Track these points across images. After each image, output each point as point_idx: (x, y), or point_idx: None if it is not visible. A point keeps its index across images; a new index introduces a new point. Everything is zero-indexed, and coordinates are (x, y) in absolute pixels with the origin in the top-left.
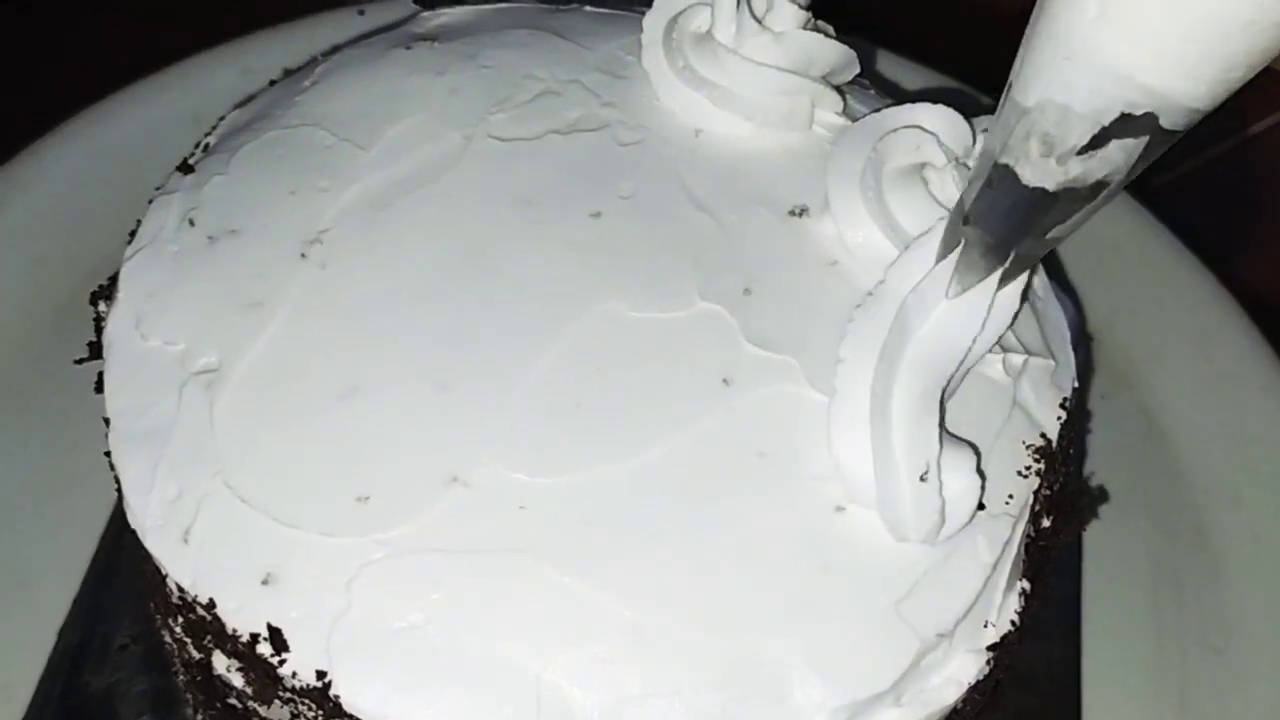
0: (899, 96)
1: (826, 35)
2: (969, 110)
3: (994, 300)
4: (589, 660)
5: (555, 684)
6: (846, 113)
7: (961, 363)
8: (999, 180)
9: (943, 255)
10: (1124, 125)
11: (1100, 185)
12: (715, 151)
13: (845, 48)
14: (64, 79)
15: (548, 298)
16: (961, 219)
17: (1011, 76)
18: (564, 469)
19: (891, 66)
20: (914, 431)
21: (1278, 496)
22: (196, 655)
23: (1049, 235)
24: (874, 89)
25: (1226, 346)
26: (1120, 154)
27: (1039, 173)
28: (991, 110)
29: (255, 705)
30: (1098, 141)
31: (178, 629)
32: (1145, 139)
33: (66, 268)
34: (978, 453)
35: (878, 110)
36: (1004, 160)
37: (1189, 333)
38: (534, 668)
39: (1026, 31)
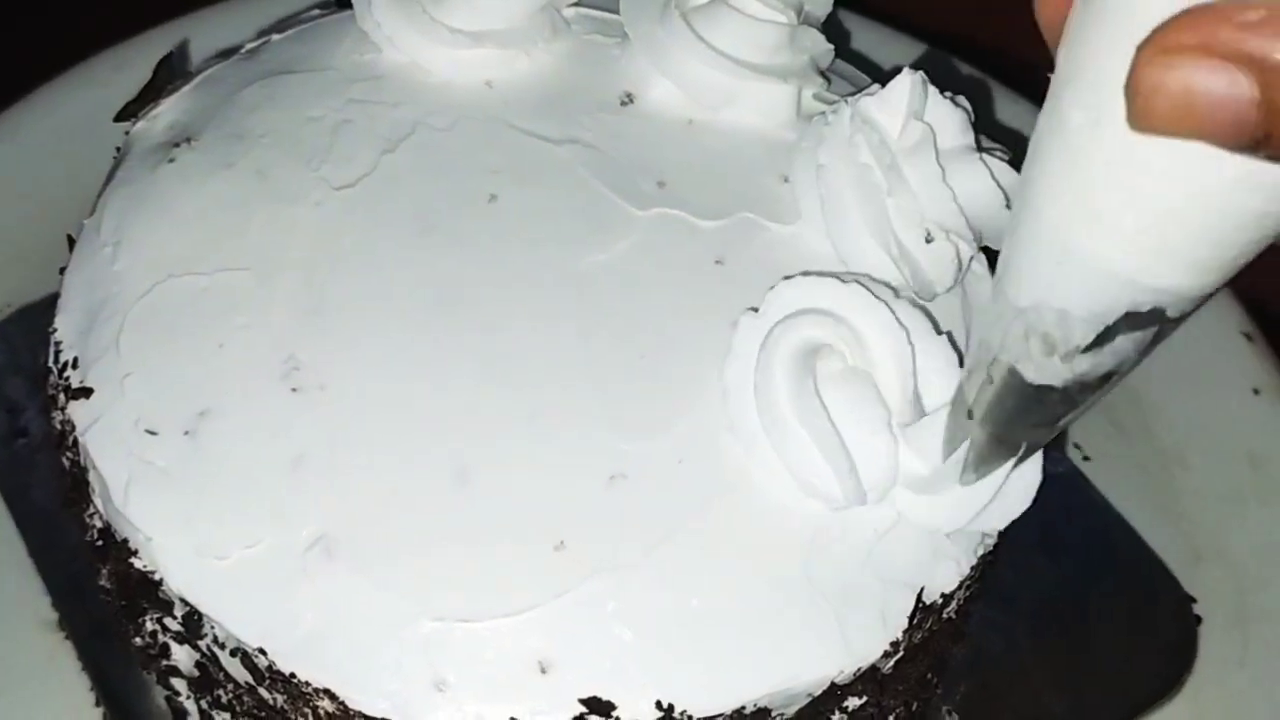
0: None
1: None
2: (947, 78)
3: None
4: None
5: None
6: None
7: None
8: (1001, 379)
9: (949, 450)
10: (1130, 321)
11: (1110, 375)
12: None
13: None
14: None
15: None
16: (966, 413)
17: (999, 269)
18: None
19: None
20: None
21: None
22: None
23: (1061, 423)
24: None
25: None
26: (1129, 345)
27: (1044, 372)
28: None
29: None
30: (1103, 339)
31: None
32: (1154, 329)
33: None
34: None
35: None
36: (1005, 359)
37: None
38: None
39: (1009, 224)
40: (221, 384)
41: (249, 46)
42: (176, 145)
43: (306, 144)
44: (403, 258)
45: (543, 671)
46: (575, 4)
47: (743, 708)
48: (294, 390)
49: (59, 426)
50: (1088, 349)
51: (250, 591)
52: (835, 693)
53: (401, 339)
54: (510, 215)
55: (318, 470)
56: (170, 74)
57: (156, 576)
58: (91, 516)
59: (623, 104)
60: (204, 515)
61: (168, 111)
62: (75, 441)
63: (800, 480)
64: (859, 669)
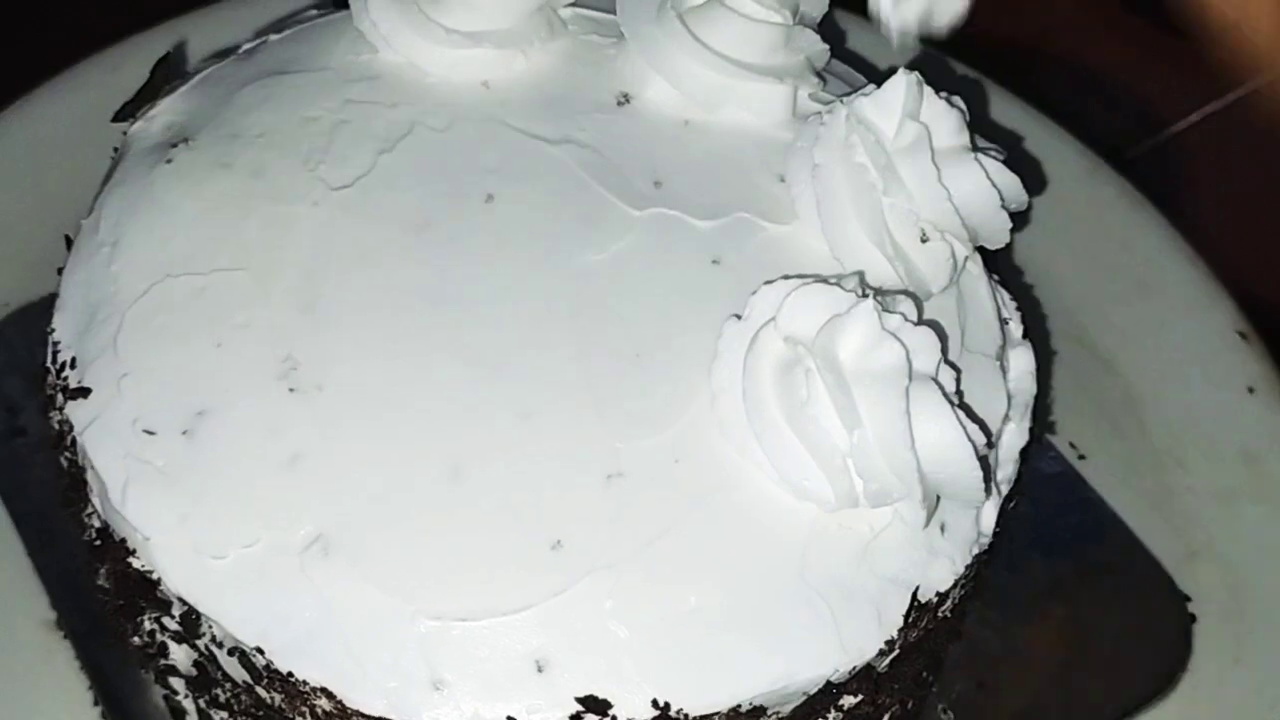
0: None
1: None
2: (943, 78)
3: None
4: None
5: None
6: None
7: None
8: None
9: None
10: None
11: None
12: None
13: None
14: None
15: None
16: None
17: None
18: None
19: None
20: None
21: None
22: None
23: None
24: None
25: (1172, 283)
26: None
27: None
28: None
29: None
30: None
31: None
32: None
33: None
34: None
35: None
36: None
37: (1132, 272)
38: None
39: None
40: (219, 384)
41: (246, 47)
42: (174, 146)
43: (304, 144)
44: (400, 257)
45: (539, 670)
46: (572, 4)
47: (738, 706)
48: (291, 390)
49: (57, 426)
50: None
51: (248, 590)
52: (831, 691)
53: (398, 339)
54: (507, 215)
55: (315, 469)
56: (168, 74)
57: (154, 576)
58: (89, 516)
59: (619, 104)
60: (202, 514)
61: (165, 112)
62: (73, 441)
63: (792, 484)
64: (854, 668)
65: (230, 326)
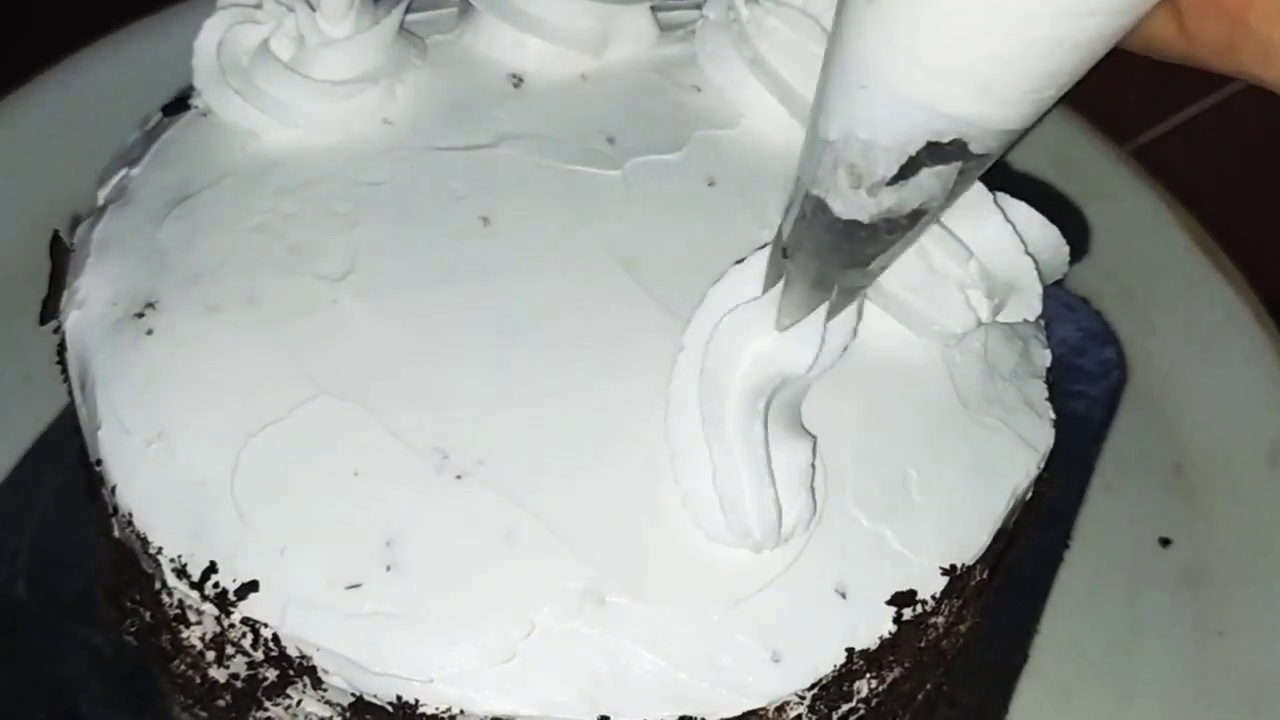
0: None
1: None
2: None
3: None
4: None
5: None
6: None
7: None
8: (812, 213)
9: (768, 286)
10: (932, 154)
11: (918, 213)
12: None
13: None
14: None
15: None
16: (781, 251)
17: (813, 104)
18: None
19: None
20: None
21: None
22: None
23: (871, 266)
24: None
25: (1207, 297)
26: (935, 181)
27: (851, 205)
28: None
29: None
30: (907, 171)
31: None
32: (958, 164)
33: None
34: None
35: None
36: (815, 192)
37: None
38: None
39: (824, 59)
40: (391, 507)
41: (105, 195)
42: (140, 316)
43: (270, 254)
44: (449, 314)
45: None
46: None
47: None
48: (459, 477)
49: (243, 630)
50: (892, 182)
51: None
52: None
53: (512, 391)
54: (512, 228)
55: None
56: (65, 253)
57: None
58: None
59: (515, 85)
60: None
61: (94, 289)
62: (276, 637)
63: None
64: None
65: (356, 453)
